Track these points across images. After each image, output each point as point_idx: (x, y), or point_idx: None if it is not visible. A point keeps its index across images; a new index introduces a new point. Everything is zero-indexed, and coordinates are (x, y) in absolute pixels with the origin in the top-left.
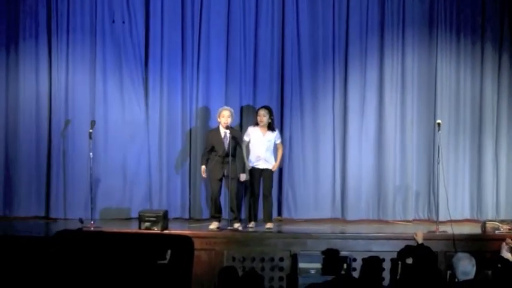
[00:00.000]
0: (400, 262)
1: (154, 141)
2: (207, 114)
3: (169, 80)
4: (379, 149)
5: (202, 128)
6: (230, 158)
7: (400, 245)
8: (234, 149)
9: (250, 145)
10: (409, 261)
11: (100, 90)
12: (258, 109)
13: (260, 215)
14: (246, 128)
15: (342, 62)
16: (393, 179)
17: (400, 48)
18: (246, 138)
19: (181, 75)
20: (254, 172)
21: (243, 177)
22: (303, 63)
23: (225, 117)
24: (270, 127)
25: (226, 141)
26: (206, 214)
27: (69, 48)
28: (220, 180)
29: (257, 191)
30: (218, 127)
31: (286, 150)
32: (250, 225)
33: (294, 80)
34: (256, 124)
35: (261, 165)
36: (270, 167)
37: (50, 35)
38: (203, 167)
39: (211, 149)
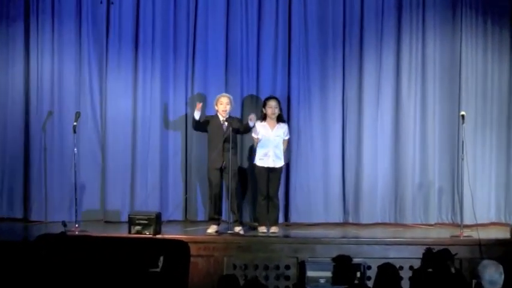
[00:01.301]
0: (420, 270)
1: (144, 136)
2: (204, 106)
3: (162, 68)
4: (397, 144)
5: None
6: (230, 147)
7: (420, 251)
8: (234, 139)
9: (258, 141)
10: (429, 269)
11: (85, 79)
12: (267, 100)
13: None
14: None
15: (354, 48)
16: (412, 178)
17: (420, 33)
18: (254, 135)
19: (174, 62)
20: (261, 171)
21: (253, 118)
22: (311, 49)
23: (223, 105)
24: (279, 119)
25: (225, 128)
26: (203, 216)
27: (50, 33)
28: (220, 170)
29: (265, 192)
30: (216, 115)
31: (293, 146)
32: (263, 229)
33: (301, 68)
34: (263, 118)
35: (269, 163)
36: (278, 165)
37: (27, 18)
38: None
39: (204, 122)
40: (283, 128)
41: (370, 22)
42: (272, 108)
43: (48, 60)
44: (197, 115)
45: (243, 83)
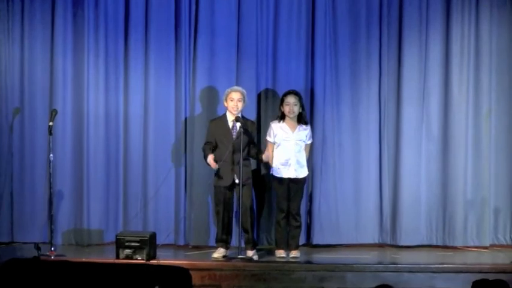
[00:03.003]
0: None
1: (136, 138)
2: (209, 101)
3: (158, 55)
4: (445, 150)
5: (203, 120)
6: (241, 157)
7: (473, 279)
8: (247, 146)
9: (275, 147)
10: None
11: (60, 69)
12: (285, 95)
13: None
14: (264, 121)
15: (393, 32)
16: (464, 191)
17: (473, 12)
18: (269, 138)
19: (174, 49)
20: (280, 183)
21: (266, 156)
22: (340, 33)
23: (234, 101)
24: (300, 120)
25: (235, 133)
26: (209, 240)
27: (19, 13)
28: (230, 188)
29: (285, 208)
30: (224, 115)
31: (317, 153)
32: (281, 254)
33: (328, 57)
34: (281, 118)
35: (291, 173)
36: (302, 175)
37: None
38: (210, 156)
39: (214, 146)
40: (305, 130)
41: (413, 2)
42: (290, 105)
43: (16, 47)
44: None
45: (258, 75)
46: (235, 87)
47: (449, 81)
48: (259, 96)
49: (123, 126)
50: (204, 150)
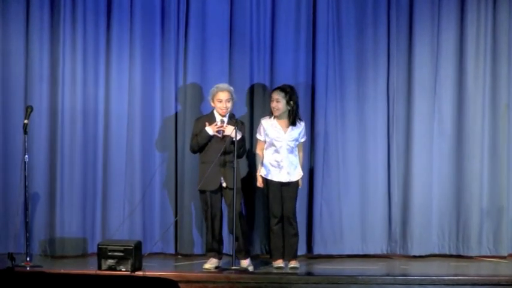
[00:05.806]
0: None
1: (119, 137)
2: (200, 96)
3: (144, 45)
4: (459, 149)
5: (193, 116)
6: (235, 158)
7: None
8: (240, 148)
9: (266, 145)
10: None
11: (36, 62)
12: (272, 91)
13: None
14: (259, 121)
15: (402, 18)
16: (479, 196)
17: None
18: (260, 136)
19: (160, 39)
20: (272, 186)
21: (260, 181)
22: (344, 21)
23: (222, 102)
24: (293, 118)
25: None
26: (200, 249)
27: None
28: (218, 192)
29: (279, 213)
30: (212, 113)
31: (319, 154)
32: (279, 264)
33: (330, 47)
34: (273, 114)
35: (283, 176)
36: (294, 178)
37: None
38: (207, 126)
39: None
40: (299, 127)
41: None
42: (273, 102)
43: None
44: (211, 131)
45: (253, 68)
46: (222, 86)
47: (463, 72)
48: (253, 92)
49: (104, 125)
50: (193, 140)
